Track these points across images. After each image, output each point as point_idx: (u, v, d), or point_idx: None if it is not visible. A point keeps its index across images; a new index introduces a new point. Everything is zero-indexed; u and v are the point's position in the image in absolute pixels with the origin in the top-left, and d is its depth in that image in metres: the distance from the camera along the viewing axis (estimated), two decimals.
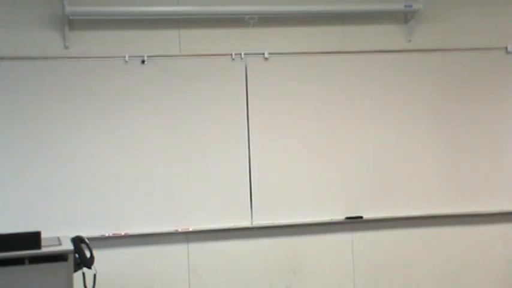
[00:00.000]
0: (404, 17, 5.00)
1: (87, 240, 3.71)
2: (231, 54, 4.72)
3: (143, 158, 4.58)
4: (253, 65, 4.75)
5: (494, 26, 5.08)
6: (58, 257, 3.44)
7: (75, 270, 3.53)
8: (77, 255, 3.56)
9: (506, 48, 5.04)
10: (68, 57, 4.53)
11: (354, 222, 4.86)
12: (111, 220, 4.50)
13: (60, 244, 3.59)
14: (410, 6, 4.83)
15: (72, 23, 4.52)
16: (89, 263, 3.65)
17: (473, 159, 4.97)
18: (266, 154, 4.73)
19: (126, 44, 4.61)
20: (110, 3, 4.54)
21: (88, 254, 3.67)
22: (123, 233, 4.52)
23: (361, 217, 4.82)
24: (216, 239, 4.68)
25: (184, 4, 4.69)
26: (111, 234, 4.49)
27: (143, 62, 4.60)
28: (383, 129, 4.88)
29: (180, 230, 4.60)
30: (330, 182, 4.80)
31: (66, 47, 4.55)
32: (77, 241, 3.65)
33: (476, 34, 5.05)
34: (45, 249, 3.43)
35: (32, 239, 3.40)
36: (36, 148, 4.44)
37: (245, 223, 4.69)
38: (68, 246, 3.55)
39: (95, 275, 3.72)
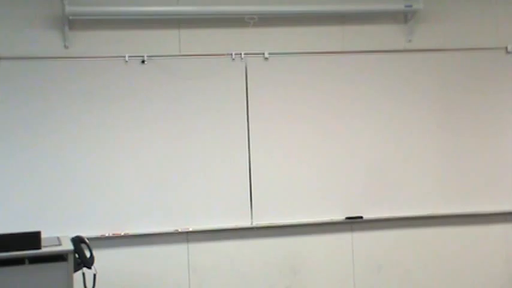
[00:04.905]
0: (404, 17, 5.00)
1: (87, 240, 3.71)
2: (231, 54, 4.72)
3: (143, 157, 4.57)
4: (253, 65, 4.75)
5: (494, 26, 5.08)
6: (58, 257, 3.44)
7: (75, 270, 3.53)
8: (77, 255, 3.56)
9: (506, 48, 5.04)
10: (68, 57, 4.53)
11: (354, 222, 4.86)
12: (111, 220, 4.50)
13: (60, 244, 3.59)
14: (410, 6, 4.83)
15: (72, 23, 4.52)
16: (89, 263, 3.65)
17: (473, 159, 4.97)
18: (266, 154, 4.72)
19: (126, 44, 4.61)
20: (110, 3, 4.54)
21: (88, 254, 3.67)
22: (123, 233, 4.52)
23: (361, 217, 4.82)
24: (216, 239, 4.68)
25: (184, 4, 4.69)
26: (111, 234, 4.49)
27: (143, 62, 4.60)
28: (383, 129, 4.88)
29: (180, 230, 4.60)
30: (330, 182, 4.80)
31: (66, 47, 4.54)
32: (77, 241, 3.64)
33: (476, 34, 5.05)
34: (45, 249, 3.43)
35: (32, 239, 3.41)
36: (35, 148, 4.43)
37: (245, 223, 4.68)
38: (68, 246, 3.55)
39: (94, 275, 3.73)
